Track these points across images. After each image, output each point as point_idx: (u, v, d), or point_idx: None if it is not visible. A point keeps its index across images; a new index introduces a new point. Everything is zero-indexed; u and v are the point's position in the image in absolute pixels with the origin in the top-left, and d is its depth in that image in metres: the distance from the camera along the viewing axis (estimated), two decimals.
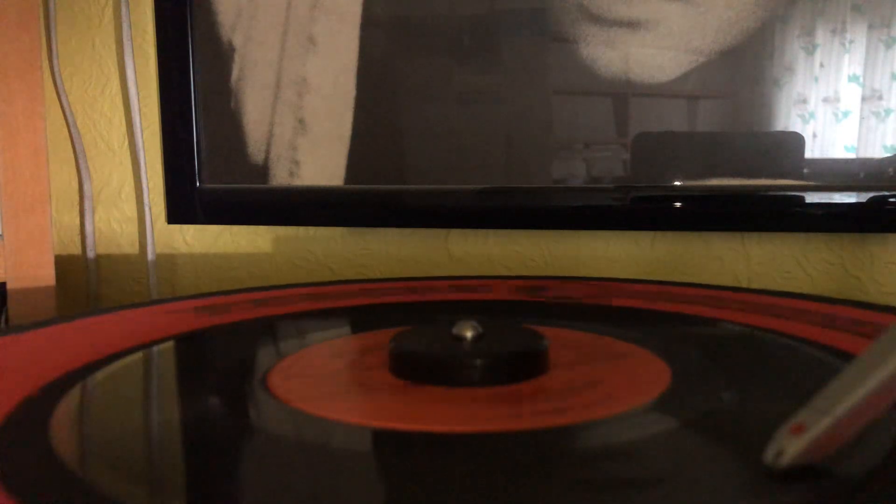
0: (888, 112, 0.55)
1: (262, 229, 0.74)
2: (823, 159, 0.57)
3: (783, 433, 0.23)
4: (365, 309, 0.51)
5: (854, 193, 0.56)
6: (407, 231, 0.70)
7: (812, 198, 0.57)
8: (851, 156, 0.56)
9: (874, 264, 0.61)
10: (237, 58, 0.66)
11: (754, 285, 0.63)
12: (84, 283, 0.77)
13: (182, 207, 0.69)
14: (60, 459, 0.26)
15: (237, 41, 0.66)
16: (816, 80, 0.56)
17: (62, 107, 0.75)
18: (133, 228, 0.77)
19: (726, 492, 0.23)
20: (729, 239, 0.63)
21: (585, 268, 0.66)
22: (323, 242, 0.72)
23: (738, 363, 0.38)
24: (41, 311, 0.64)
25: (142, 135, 0.74)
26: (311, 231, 0.72)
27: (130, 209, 0.76)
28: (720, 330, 0.44)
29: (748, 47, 0.57)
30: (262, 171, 0.67)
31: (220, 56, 0.67)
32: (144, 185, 0.74)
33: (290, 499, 0.23)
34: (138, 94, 0.74)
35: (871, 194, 0.55)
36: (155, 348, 0.41)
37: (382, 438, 0.28)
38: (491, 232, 0.68)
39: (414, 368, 0.34)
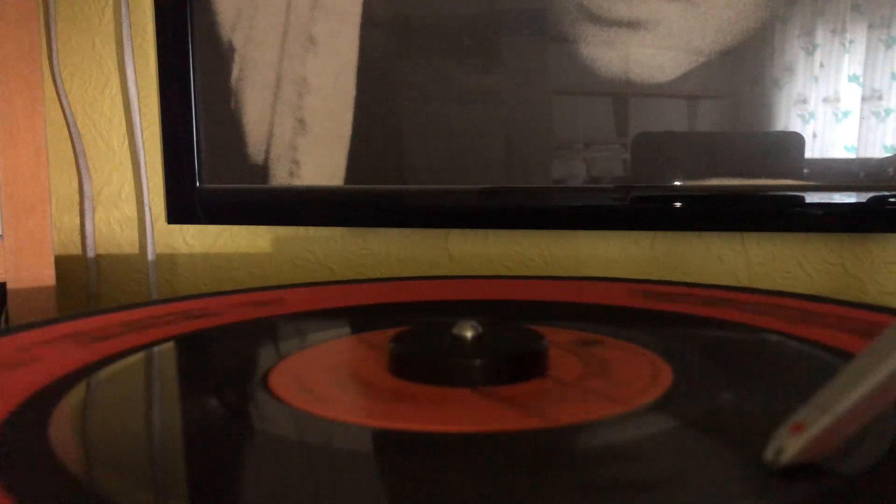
0: (888, 112, 0.55)
1: (262, 229, 0.74)
2: (823, 159, 0.57)
3: (783, 432, 0.23)
4: (365, 309, 0.51)
5: (854, 193, 0.56)
6: (407, 231, 0.70)
7: (812, 198, 0.57)
8: (851, 156, 0.56)
9: (874, 264, 0.61)
10: (237, 58, 0.66)
11: (754, 285, 0.63)
12: (84, 283, 0.77)
13: (182, 207, 0.69)
14: (60, 460, 0.26)
15: (237, 41, 0.66)
16: (816, 80, 0.56)
17: (62, 107, 0.75)
18: (133, 228, 0.77)
19: (726, 491, 0.23)
20: (729, 239, 0.63)
21: (585, 268, 0.66)
22: (323, 242, 0.72)
23: (739, 363, 0.38)
24: (41, 311, 0.64)
25: (142, 135, 0.74)
26: (311, 231, 0.72)
27: (130, 209, 0.76)
28: (720, 330, 0.44)
29: (748, 47, 0.57)
30: (262, 171, 0.67)
31: (220, 56, 0.67)
32: (144, 185, 0.74)
33: (291, 499, 0.23)
34: (138, 94, 0.74)
35: (871, 194, 0.56)
36: (155, 348, 0.41)
37: (382, 438, 0.28)
38: (491, 232, 0.68)
39: (414, 368, 0.34)
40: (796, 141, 0.57)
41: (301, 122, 0.66)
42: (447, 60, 0.63)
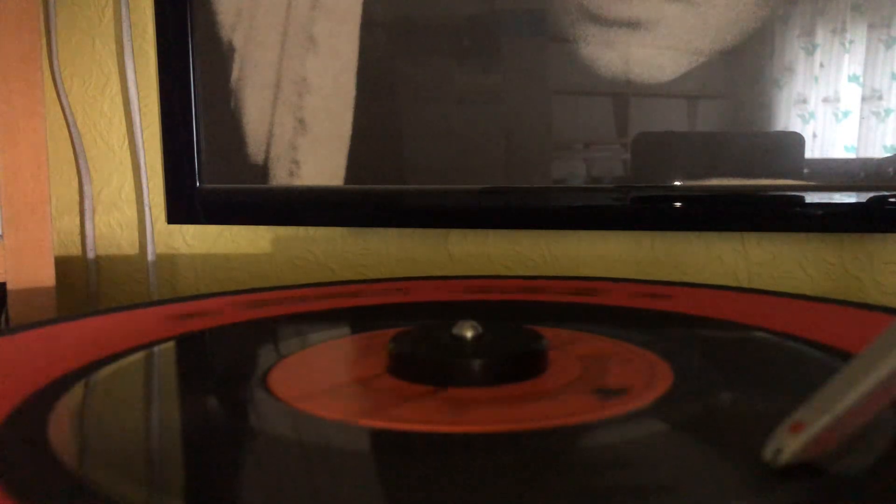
0: (888, 112, 0.55)
1: (262, 229, 0.74)
2: (823, 159, 0.57)
3: (782, 431, 0.23)
4: (365, 309, 0.51)
5: (854, 193, 0.56)
6: (407, 231, 0.70)
7: (812, 198, 0.57)
8: (851, 156, 0.56)
9: (874, 264, 0.61)
10: (237, 58, 0.67)
11: (754, 285, 0.63)
12: (84, 283, 0.77)
13: (182, 207, 0.69)
14: (60, 459, 0.26)
15: (237, 41, 0.66)
16: (816, 80, 0.56)
17: (62, 107, 0.76)
18: (133, 229, 0.77)
19: (726, 491, 0.23)
20: (729, 239, 0.63)
21: (585, 268, 0.66)
22: (323, 242, 0.72)
23: (739, 363, 0.38)
24: (41, 311, 0.64)
25: (142, 135, 0.74)
26: (311, 231, 0.72)
27: (130, 209, 0.76)
28: (720, 330, 0.44)
29: (748, 47, 0.57)
30: (262, 171, 0.67)
31: (220, 56, 0.67)
32: (144, 186, 0.74)
33: (290, 499, 0.23)
34: (138, 94, 0.74)
35: (871, 194, 0.55)
36: (155, 348, 0.41)
37: (382, 438, 0.28)
38: (491, 232, 0.68)
39: (414, 369, 0.34)
40: (796, 141, 0.57)
41: (301, 122, 0.66)
42: (447, 60, 0.63)
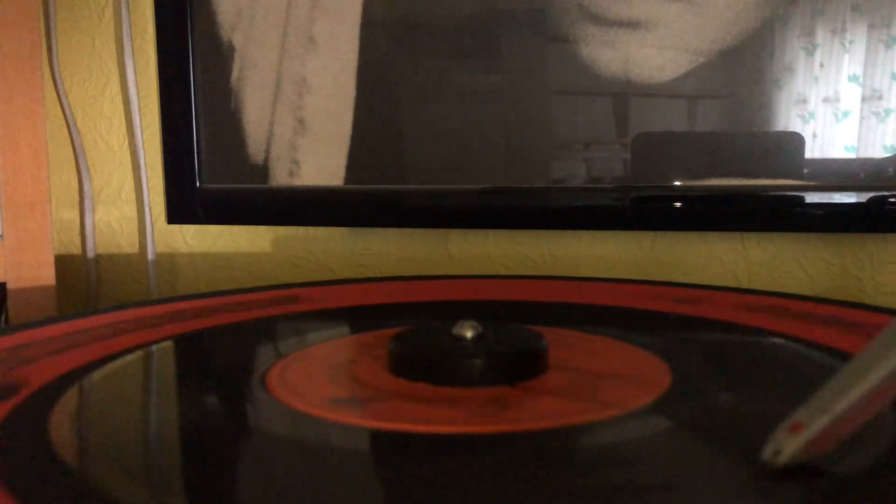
0: (888, 112, 0.55)
1: (262, 229, 0.74)
2: (823, 159, 0.57)
3: (781, 432, 0.23)
4: (365, 309, 0.51)
5: (854, 193, 0.56)
6: (407, 231, 0.70)
7: (812, 198, 0.57)
8: (851, 156, 0.56)
9: (874, 264, 0.61)
10: (237, 58, 0.67)
11: (754, 285, 0.63)
12: (84, 283, 0.77)
13: (182, 207, 0.69)
14: (60, 459, 0.26)
15: (237, 41, 0.66)
16: (816, 80, 0.56)
17: (62, 107, 0.76)
18: (133, 228, 0.77)
19: (725, 491, 0.23)
20: (729, 239, 0.63)
21: (585, 268, 0.66)
22: (323, 242, 0.72)
23: (738, 363, 0.38)
24: (41, 311, 0.64)
25: (142, 135, 0.74)
26: (311, 231, 0.72)
27: (130, 209, 0.76)
28: (719, 330, 0.44)
29: (748, 47, 0.57)
30: (262, 171, 0.67)
31: (220, 56, 0.67)
32: (144, 185, 0.74)
33: (290, 499, 0.23)
34: (138, 94, 0.74)
35: (871, 194, 0.55)
36: (154, 348, 0.41)
37: (382, 438, 0.28)
38: (491, 232, 0.68)
39: (414, 368, 0.34)
40: (796, 141, 0.57)
41: (301, 122, 0.66)
42: (447, 60, 0.63)
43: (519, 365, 0.34)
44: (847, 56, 0.55)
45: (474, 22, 0.62)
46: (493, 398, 0.31)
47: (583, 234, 0.66)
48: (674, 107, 0.59)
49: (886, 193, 0.55)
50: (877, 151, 0.56)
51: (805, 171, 0.57)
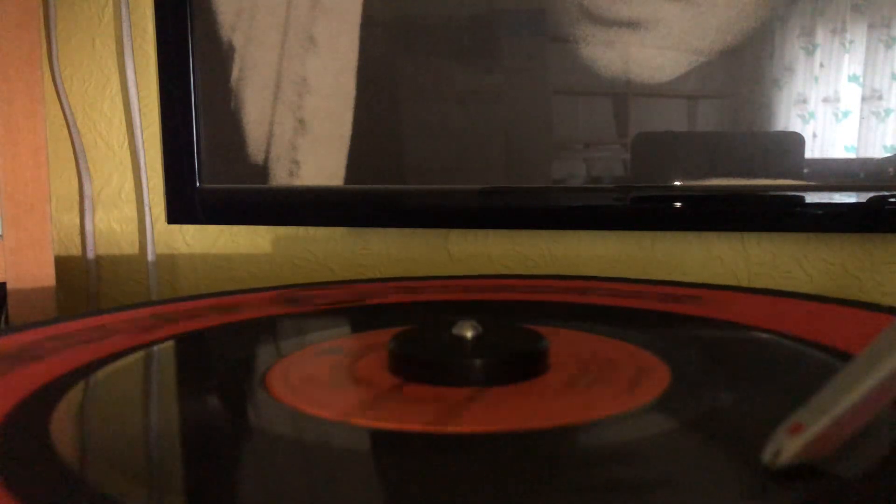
0: (888, 112, 0.55)
1: (262, 229, 0.74)
2: (823, 159, 0.57)
3: (781, 432, 0.23)
4: (364, 309, 0.51)
5: (854, 193, 0.56)
6: (407, 231, 0.70)
7: (812, 198, 0.57)
8: (851, 156, 0.56)
9: (874, 264, 0.61)
10: (237, 58, 0.67)
11: (754, 285, 0.63)
12: (84, 283, 0.77)
13: (182, 207, 0.69)
14: (60, 459, 0.26)
15: (237, 41, 0.66)
16: (816, 80, 0.56)
17: (62, 107, 0.76)
18: (133, 229, 0.77)
19: (724, 493, 0.23)
20: (729, 239, 0.63)
21: (585, 268, 0.66)
22: (323, 242, 0.72)
23: (738, 363, 0.38)
24: (41, 311, 0.64)
25: (142, 135, 0.74)
26: (311, 231, 0.72)
27: (130, 209, 0.76)
28: (719, 330, 0.44)
29: (748, 47, 0.57)
30: (262, 171, 0.67)
31: (220, 56, 0.67)
32: (144, 185, 0.74)
33: (290, 499, 0.23)
34: (138, 94, 0.74)
35: (871, 194, 0.56)
36: (155, 348, 0.41)
37: (382, 438, 0.28)
38: (491, 232, 0.68)
39: (414, 368, 0.34)
40: (796, 141, 0.57)
41: (301, 122, 0.66)
42: (447, 60, 0.63)
43: (519, 365, 0.34)
44: (847, 56, 0.55)
45: (474, 22, 0.62)
46: (494, 398, 0.31)
47: (583, 234, 0.66)
48: (674, 107, 0.59)
49: (886, 193, 0.55)
50: (877, 151, 0.56)
51: (805, 171, 0.57)
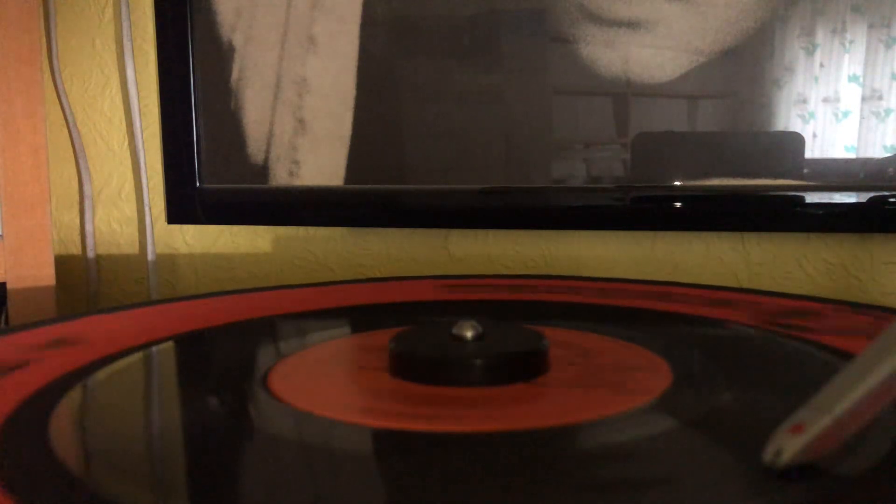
0: (888, 112, 0.55)
1: (262, 229, 0.74)
2: (823, 159, 0.57)
3: (782, 432, 0.23)
4: (365, 309, 0.51)
5: (854, 193, 0.56)
6: (407, 231, 0.70)
7: (812, 198, 0.57)
8: (851, 156, 0.56)
9: (874, 264, 0.61)
10: (237, 58, 0.66)
11: (754, 285, 0.63)
12: (84, 283, 0.77)
13: (182, 207, 0.69)
14: (60, 459, 0.26)
15: (237, 41, 0.66)
16: (816, 80, 0.56)
17: (62, 107, 0.75)
18: (133, 228, 0.77)
19: (725, 492, 0.23)
20: (729, 239, 0.63)
21: (585, 268, 0.66)
22: (323, 242, 0.72)
23: (738, 363, 0.38)
24: (41, 311, 0.64)
25: (142, 135, 0.74)
26: (311, 231, 0.72)
27: (130, 209, 0.76)
28: (719, 330, 0.44)
29: (748, 47, 0.57)
30: (262, 171, 0.67)
31: (220, 56, 0.67)
32: (144, 185, 0.74)
33: (290, 499, 0.23)
34: (138, 94, 0.74)
35: (871, 194, 0.56)
36: (155, 348, 0.41)
37: (382, 438, 0.28)
38: (491, 232, 0.68)
39: (414, 368, 0.34)
40: (796, 141, 0.57)
41: (301, 122, 0.66)
42: (447, 60, 0.63)
43: (519, 365, 0.34)
44: (847, 56, 0.55)
45: (474, 22, 0.62)
46: (494, 398, 0.31)
47: (583, 234, 0.66)
48: (674, 107, 0.59)
49: (886, 193, 0.55)
50: (877, 151, 0.56)
51: (805, 171, 0.57)
